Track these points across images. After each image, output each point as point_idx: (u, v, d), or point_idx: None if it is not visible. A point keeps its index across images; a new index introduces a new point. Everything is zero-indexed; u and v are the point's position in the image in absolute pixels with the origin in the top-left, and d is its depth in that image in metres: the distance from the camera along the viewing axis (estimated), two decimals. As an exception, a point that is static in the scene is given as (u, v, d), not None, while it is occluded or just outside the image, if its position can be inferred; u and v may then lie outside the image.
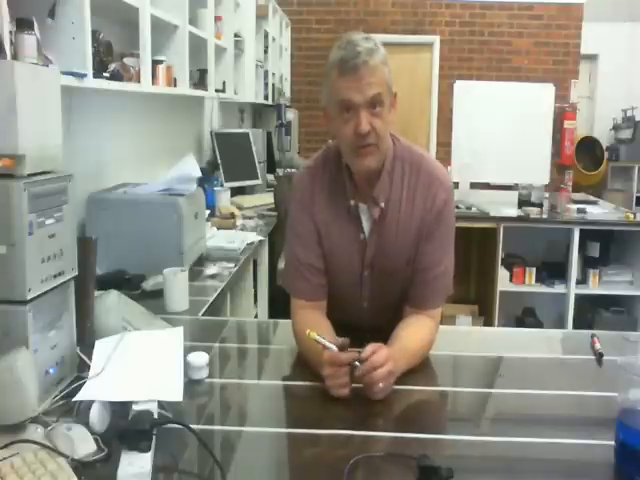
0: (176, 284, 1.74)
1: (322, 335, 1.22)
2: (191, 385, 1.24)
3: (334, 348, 1.19)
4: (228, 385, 1.32)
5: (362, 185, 1.41)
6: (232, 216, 2.99)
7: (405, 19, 6.69)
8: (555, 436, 1.08)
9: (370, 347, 1.20)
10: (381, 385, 1.17)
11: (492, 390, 1.31)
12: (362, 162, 1.34)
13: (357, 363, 1.17)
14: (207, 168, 3.66)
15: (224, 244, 2.47)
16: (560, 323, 4.26)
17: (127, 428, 0.96)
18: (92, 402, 1.04)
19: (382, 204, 1.40)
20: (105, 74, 1.92)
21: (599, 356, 1.43)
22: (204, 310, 1.77)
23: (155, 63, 2.32)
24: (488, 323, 4.23)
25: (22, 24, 1.44)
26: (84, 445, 0.97)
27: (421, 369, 1.35)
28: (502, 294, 4.19)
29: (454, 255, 1.46)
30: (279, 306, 1.70)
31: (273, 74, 5.22)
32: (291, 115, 5.21)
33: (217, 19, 3.37)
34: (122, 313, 1.39)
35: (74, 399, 1.07)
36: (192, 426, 1.01)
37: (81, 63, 1.68)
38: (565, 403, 1.24)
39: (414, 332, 1.37)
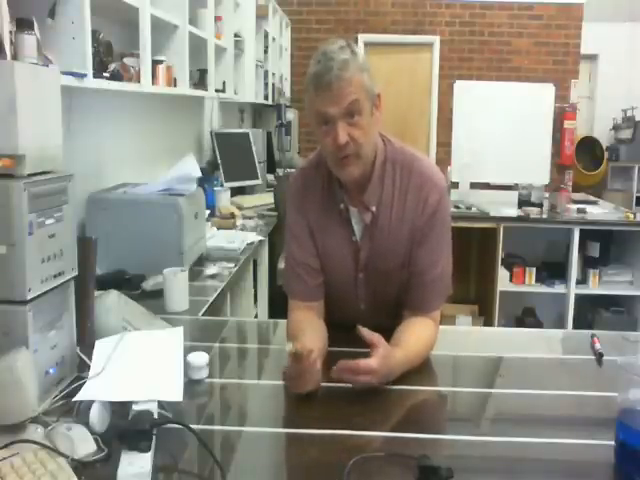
0: (176, 284, 1.74)
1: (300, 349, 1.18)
2: (191, 385, 1.24)
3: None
4: (228, 385, 1.32)
5: (352, 190, 1.41)
6: (232, 216, 2.99)
7: (405, 19, 6.69)
8: (555, 436, 1.08)
9: (373, 337, 1.20)
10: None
11: (492, 390, 1.31)
12: (344, 172, 1.35)
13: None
14: (207, 168, 3.66)
15: (224, 244, 2.47)
16: (560, 323, 4.26)
17: (127, 428, 0.96)
18: (92, 402, 1.04)
19: (373, 208, 1.40)
20: (105, 74, 1.92)
21: (599, 356, 1.43)
22: (204, 310, 1.77)
23: (155, 63, 2.32)
24: (488, 323, 4.23)
25: (22, 24, 1.44)
26: (84, 445, 0.97)
27: (421, 369, 1.35)
28: (502, 294, 4.19)
29: (452, 255, 1.45)
30: (279, 306, 1.70)
31: (273, 74, 5.22)
32: (291, 115, 5.21)
33: (217, 19, 3.37)
34: (122, 313, 1.39)
35: (74, 399, 1.07)
36: (192, 426, 1.01)
37: (81, 63, 1.68)
38: (565, 403, 1.24)
39: (415, 334, 1.37)
